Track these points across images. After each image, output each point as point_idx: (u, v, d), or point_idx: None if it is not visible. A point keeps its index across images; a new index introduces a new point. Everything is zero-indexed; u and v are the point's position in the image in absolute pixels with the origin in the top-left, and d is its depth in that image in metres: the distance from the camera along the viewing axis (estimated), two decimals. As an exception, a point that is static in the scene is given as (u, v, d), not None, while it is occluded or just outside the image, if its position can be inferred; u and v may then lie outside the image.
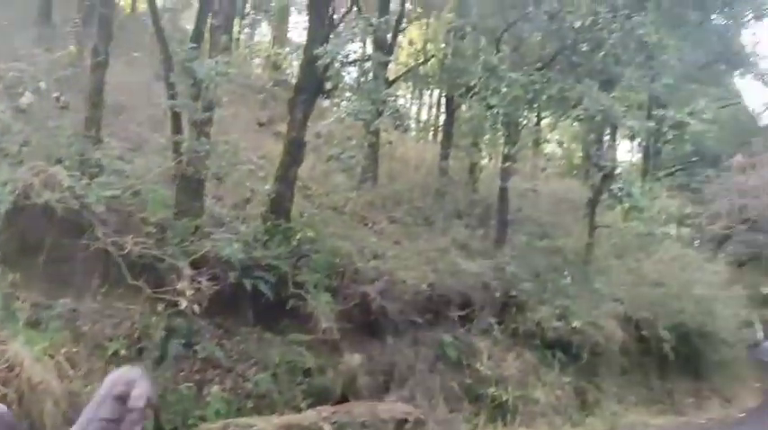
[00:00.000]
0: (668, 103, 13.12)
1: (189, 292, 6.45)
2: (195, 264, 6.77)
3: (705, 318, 12.89)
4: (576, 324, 10.30)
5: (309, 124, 8.55)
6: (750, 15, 18.84)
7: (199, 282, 6.58)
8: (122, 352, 6.06)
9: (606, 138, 15.29)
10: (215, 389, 6.59)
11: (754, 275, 19.50)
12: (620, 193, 11.63)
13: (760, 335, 21.41)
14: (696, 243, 15.53)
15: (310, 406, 7.07)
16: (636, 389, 11.96)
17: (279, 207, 8.22)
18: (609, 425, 10.02)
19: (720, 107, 16.97)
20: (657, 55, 10.58)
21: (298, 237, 8.04)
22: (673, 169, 20.68)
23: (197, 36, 8.47)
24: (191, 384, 6.43)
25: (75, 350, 5.78)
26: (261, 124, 12.22)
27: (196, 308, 6.46)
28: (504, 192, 11.87)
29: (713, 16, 16.71)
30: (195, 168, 7.12)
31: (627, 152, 22.59)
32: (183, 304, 6.37)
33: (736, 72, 21.94)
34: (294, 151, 8.43)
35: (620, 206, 12.50)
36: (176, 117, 7.37)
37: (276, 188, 8.27)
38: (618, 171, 13.24)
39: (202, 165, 7.18)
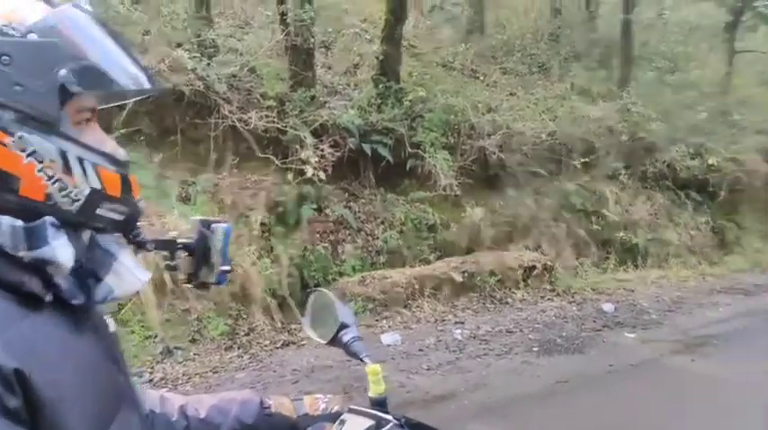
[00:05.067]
0: None
1: (313, 160, 6.78)
2: (316, 133, 7.05)
3: None
4: (712, 161, 9.66)
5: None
6: None
7: (321, 150, 6.89)
8: (263, 219, 6.60)
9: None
10: (348, 247, 7.07)
11: None
12: (766, 11, 10.28)
13: None
14: None
15: (438, 259, 7.42)
16: (782, 226, 11.25)
17: (388, 68, 8.12)
18: (751, 262, 9.62)
19: None
20: None
21: (410, 97, 8.01)
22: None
23: None
24: (326, 244, 6.93)
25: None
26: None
27: (322, 174, 6.80)
28: (627, 25, 10.84)
29: None
30: (303, 38, 7.13)
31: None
32: (310, 172, 6.72)
33: None
34: (396, 8, 8.14)
35: (765, 26, 11.09)
36: (278, -13, 7.29)
37: (383, 49, 8.13)
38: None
39: (309, 34, 7.18)
